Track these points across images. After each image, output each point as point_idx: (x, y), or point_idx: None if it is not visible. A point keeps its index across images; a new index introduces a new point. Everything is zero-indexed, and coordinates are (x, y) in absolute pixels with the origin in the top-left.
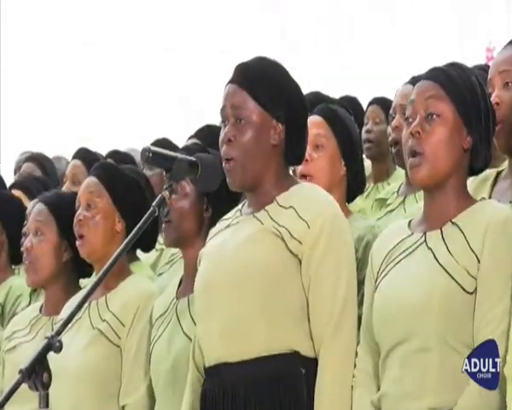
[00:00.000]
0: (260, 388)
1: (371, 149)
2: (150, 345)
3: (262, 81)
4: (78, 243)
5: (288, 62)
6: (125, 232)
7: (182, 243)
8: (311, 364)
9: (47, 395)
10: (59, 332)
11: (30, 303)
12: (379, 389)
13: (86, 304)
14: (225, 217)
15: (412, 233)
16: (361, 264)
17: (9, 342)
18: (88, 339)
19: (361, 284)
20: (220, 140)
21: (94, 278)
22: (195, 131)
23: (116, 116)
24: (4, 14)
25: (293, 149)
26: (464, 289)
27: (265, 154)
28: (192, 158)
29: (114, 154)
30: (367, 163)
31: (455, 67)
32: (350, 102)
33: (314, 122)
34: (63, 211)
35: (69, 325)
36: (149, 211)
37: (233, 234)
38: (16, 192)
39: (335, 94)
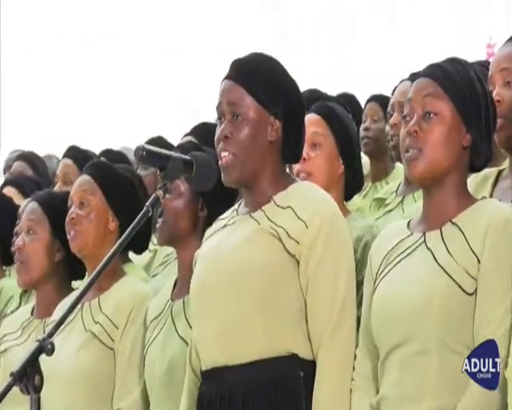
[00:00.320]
0: (258, 391)
1: (369, 144)
2: (144, 348)
3: (259, 77)
4: (69, 236)
5: (288, 62)
6: (118, 232)
7: (176, 243)
8: (310, 367)
9: (38, 398)
10: (51, 334)
11: (20, 305)
12: (378, 393)
13: (79, 306)
14: (222, 217)
15: (411, 233)
16: (360, 265)
17: (0, 345)
18: (80, 341)
19: (360, 284)
20: (216, 137)
21: (86, 280)
22: (191, 128)
23: (116, 116)
24: (4, 14)
25: (291, 147)
26: (464, 291)
27: (262, 150)
28: (187, 157)
29: (107, 153)
30: (365, 161)
31: (453, 62)
32: (347, 100)
33: (311, 120)
34: (56, 210)
35: (61, 327)
36: (143, 211)
37: (229, 234)
38: (10, 190)
39: (335, 94)
